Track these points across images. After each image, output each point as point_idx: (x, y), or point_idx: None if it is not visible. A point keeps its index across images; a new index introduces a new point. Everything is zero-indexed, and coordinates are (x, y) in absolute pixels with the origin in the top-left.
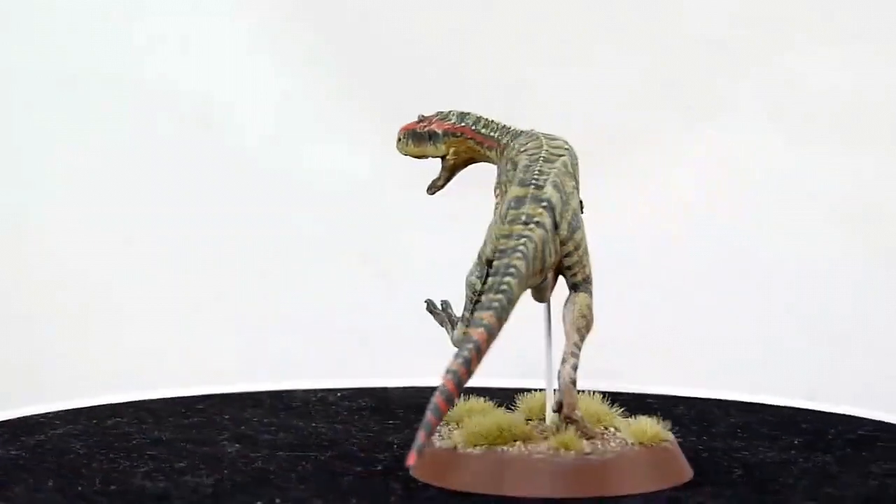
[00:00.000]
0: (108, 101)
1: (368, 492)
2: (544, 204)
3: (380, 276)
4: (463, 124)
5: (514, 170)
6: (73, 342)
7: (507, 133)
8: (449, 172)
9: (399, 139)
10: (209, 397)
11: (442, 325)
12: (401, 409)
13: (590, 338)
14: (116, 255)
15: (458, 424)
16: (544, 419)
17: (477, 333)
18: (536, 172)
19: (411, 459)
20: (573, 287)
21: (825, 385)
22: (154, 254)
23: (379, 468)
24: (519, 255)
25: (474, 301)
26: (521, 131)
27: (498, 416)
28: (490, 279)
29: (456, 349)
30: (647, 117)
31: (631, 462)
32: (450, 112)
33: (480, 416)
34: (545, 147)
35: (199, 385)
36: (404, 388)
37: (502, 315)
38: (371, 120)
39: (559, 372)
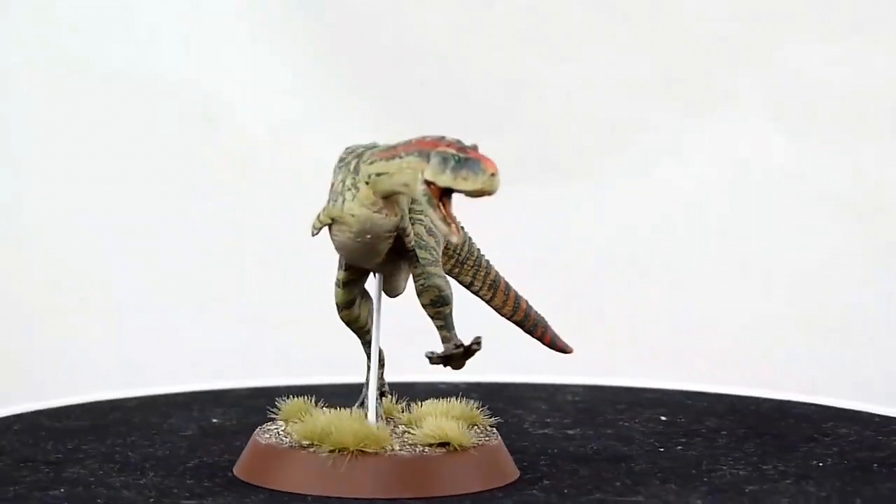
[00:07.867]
0: (110, 98)
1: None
2: None
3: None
4: None
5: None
6: (73, 341)
7: None
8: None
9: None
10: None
11: (452, 360)
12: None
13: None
14: (116, 253)
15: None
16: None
17: None
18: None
19: None
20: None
21: (824, 379)
22: (154, 252)
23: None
24: None
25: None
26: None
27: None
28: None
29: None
30: (647, 112)
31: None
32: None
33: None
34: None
35: (198, 383)
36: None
37: None
38: (373, 117)
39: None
